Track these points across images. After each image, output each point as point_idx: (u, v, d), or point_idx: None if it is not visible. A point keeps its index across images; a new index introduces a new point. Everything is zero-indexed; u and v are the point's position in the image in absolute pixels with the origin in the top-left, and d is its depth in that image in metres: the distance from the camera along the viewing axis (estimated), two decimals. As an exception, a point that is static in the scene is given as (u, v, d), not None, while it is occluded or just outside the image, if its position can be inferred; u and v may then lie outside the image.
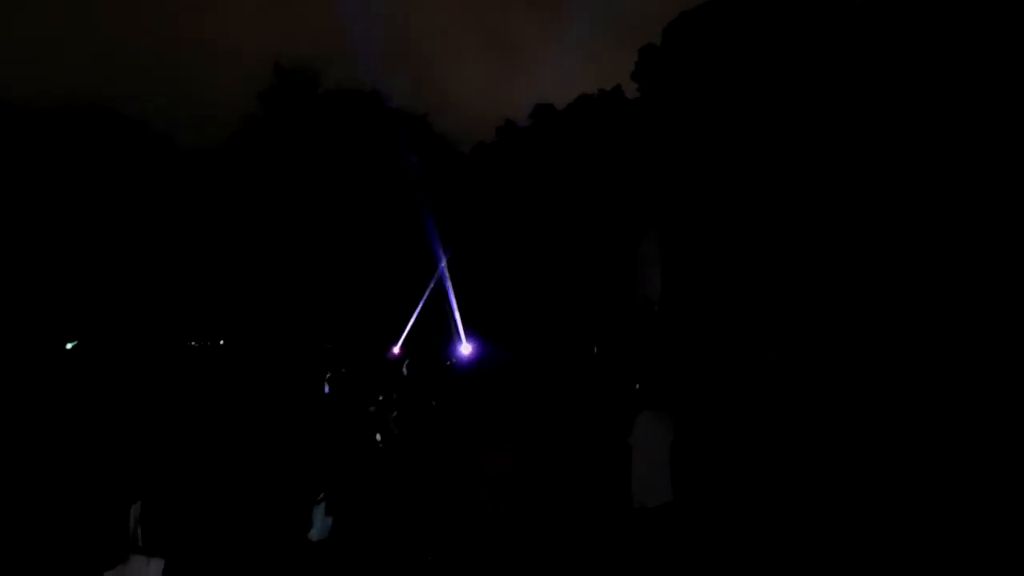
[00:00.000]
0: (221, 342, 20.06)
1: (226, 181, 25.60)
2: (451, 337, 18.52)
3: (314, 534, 4.93)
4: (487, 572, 4.60)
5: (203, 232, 24.77)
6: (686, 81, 21.47)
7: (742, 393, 7.61)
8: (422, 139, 27.92)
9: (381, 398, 6.20)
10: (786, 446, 6.26)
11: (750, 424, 6.69)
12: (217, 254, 24.40)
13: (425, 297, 20.06)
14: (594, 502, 5.58)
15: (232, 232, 24.68)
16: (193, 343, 19.63)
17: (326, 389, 6.48)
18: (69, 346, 15.55)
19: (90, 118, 26.01)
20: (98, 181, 24.18)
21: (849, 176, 15.76)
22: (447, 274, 20.58)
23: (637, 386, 5.75)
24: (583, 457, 5.98)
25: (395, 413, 5.85)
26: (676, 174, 20.25)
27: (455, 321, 19.34)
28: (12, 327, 17.46)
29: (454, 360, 12.19)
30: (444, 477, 5.01)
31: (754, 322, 15.18)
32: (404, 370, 6.64)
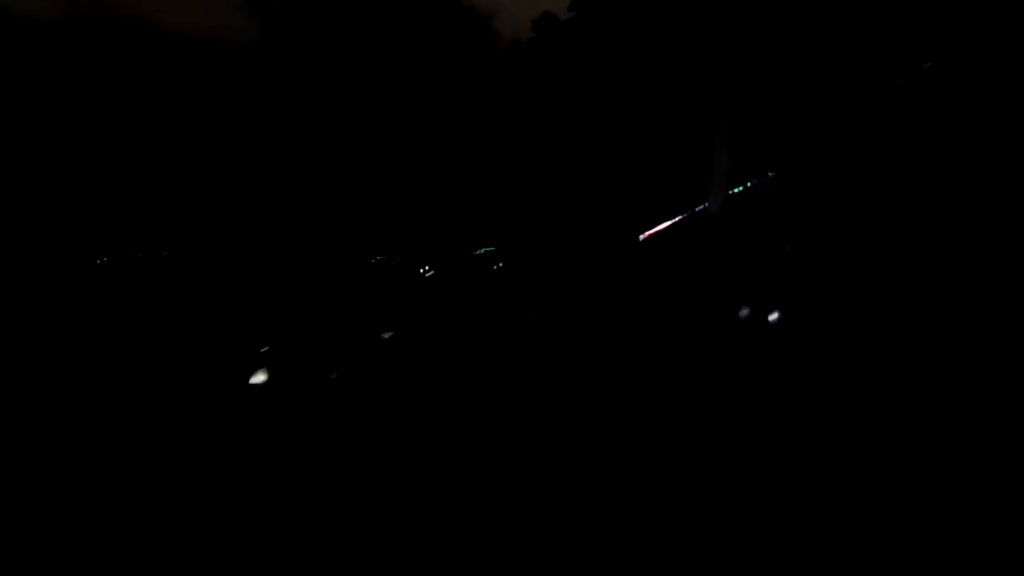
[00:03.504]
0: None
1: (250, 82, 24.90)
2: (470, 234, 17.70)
3: (255, 378, 4.42)
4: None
5: (227, 138, 24.40)
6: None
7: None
8: (450, 10, 26.20)
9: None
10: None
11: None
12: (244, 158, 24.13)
13: (445, 193, 19.16)
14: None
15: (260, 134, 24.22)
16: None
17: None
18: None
19: (97, 28, 25.63)
20: (118, 92, 23.92)
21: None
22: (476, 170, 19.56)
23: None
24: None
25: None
26: (743, 63, 18.08)
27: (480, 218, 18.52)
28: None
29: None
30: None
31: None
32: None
